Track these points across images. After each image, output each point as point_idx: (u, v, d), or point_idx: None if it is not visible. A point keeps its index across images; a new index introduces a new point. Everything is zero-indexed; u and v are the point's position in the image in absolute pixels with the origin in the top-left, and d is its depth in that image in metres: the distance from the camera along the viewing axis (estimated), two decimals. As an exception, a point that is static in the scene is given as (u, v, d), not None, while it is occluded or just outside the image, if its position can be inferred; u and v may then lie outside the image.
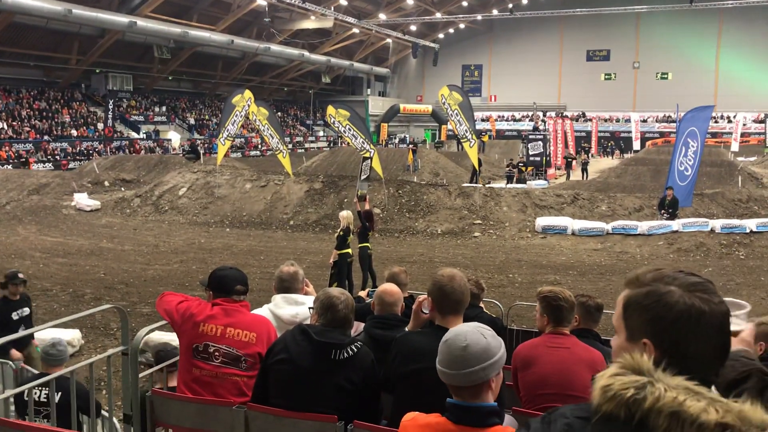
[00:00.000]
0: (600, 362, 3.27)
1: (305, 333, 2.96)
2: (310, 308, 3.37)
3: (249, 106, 21.44)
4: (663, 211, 18.05)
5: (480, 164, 25.34)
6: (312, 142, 59.68)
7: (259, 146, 49.20)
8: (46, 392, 4.14)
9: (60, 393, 4.01)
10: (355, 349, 2.94)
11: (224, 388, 3.16)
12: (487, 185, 24.52)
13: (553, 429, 1.36)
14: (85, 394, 3.94)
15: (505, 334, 5.24)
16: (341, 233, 11.44)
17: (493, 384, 2.13)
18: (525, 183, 30.17)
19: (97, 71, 45.14)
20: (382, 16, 57.15)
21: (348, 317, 3.04)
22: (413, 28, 62.53)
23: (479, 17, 59.63)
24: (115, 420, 4.12)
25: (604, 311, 4.24)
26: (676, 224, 17.28)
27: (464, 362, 2.07)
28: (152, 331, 3.43)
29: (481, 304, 5.08)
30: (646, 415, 1.20)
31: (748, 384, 2.44)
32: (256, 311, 3.82)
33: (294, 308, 3.73)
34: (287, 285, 3.83)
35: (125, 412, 3.21)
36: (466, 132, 19.80)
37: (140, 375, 3.35)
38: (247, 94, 21.85)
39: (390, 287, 3.67)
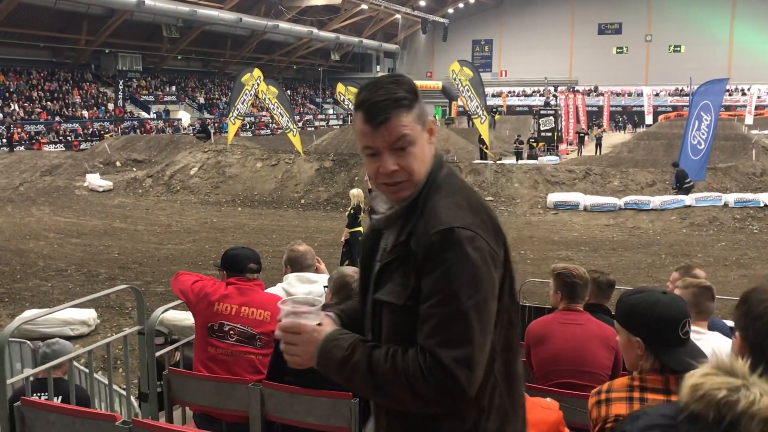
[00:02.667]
0: (613, 338, 3.27)
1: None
2: (324, 287, 3.39)
3: (258, 84, 21.40)
4: (675, 187, 17.94)
5: (481, 143, 25.06)
6: (322, 120, 59.52)
7: (270, 125, 49.13)
8: (45, 396, 4.10)
9: (60, 397, 3.96)
10: None
11: (239, 366, 3.19)
12: (498, 161, 24.41)
13: (638, 426, 1.36)
14: (85, 398, 3.92)
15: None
16: (352, 211, 11.43)
17: None
18: (536, 159, 30.00)
19: (107, 51, 45.08)
20: (391, -8, 56.66)
21: None
22: (422, 3, 61.92)
23: (489, -9, 58.99)
24: (132, 398, 4.17)
25: (617, 287, 4.26)
26: (689, 199, 17.18)
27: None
28: (167, 310, 3.44)
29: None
30: (737, 418, 1.18)
31: None
32: (270, 290, 3.85)
33: (307, 286, 3.75)
34: (299, 263, 3.85)
35: (142, 390, 3.26)
36: (477, 108, 19.69)
37: (156, 354, 3.39)
38: (257, 72, 21.79)
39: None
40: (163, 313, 3.30)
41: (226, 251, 3.50)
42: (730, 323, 6.67)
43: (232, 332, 3.21)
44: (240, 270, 3.36)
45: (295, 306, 1.62)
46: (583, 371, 3.17)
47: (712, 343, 3.08)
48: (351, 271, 3.12)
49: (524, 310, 5.49)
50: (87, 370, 4.14)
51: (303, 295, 3.73)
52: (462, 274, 1.49)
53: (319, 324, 1.63)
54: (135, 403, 4.31)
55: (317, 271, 3.94)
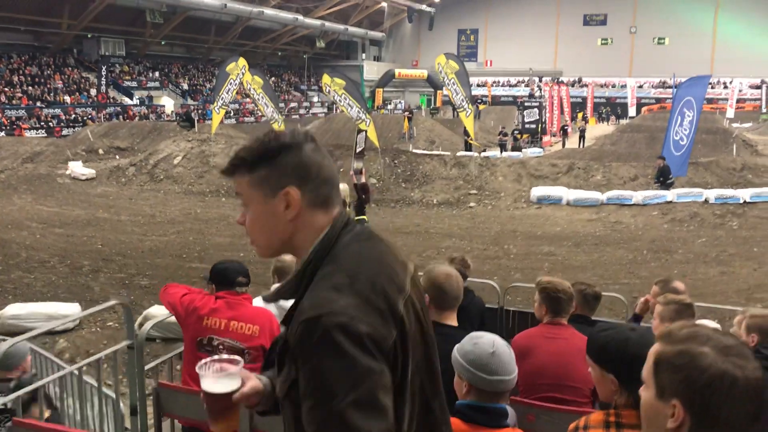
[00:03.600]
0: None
1: None
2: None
3: (243, 74, 21.28)
4: (655, 181, 18.15)
5: (467, 134, 25.14)
6: (307, 108, 59.28)
7: (255, 112, 48.85)
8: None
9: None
10: None
11: None
12: (482, 152, 24.51)
13: None
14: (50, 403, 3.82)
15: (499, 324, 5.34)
16: (338, 206, 11.46)
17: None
18: (520, 151, 30.16)
19: (89, 36, 44.53)
20: (378, -20, 56.42)
21: None
22: (409, -9, 61.78)
23: (475, -19, 58.90)
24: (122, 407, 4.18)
25: (603, 293, 4.34)
26: (670, 194, 17.38)
27: (510, 368, 2.35)
28: (155, 324, 3.46)
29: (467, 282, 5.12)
30: None
31: None
32: (257, 300, 3.88)
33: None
34: (285, 274, 3.89)
35: (132, 404, 3.28)
36: (463, 101, 19.73)
37: (146, 367, 3.42)
38: (241, 62, 21.67)
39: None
40: (151, 327, 3.30)
41: (214, 265, 3.52)
42: (709, 326, 6.80)
43: (221, 346, 3.24)
44: (229, 284, 3.39)
45: (217, 371, 1.60)
46: (567, 385, 3.24)
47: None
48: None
49: (507, 315, 5.56)
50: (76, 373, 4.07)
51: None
52: (334, 369, 1.30)
53: (242, 385, 1.56)
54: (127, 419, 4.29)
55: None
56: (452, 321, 3.05)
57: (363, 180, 13.60)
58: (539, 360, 3.31)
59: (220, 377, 1.55)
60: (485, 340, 2.40)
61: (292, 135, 1.54)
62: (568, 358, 3.28)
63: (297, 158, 1.51)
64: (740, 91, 52.81)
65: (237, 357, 1.60)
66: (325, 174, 1.55)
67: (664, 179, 17.65)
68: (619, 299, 6.52)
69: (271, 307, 3.65)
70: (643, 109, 54.59)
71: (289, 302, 3.75)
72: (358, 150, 13.45)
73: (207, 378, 1.55)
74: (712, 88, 51.88)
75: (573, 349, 3.30)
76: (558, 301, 3.41)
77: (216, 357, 1.59)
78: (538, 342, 3.37)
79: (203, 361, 1.56)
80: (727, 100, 50.16)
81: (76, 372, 3.52)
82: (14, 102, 36.92)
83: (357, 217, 12.10)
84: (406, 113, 35.39)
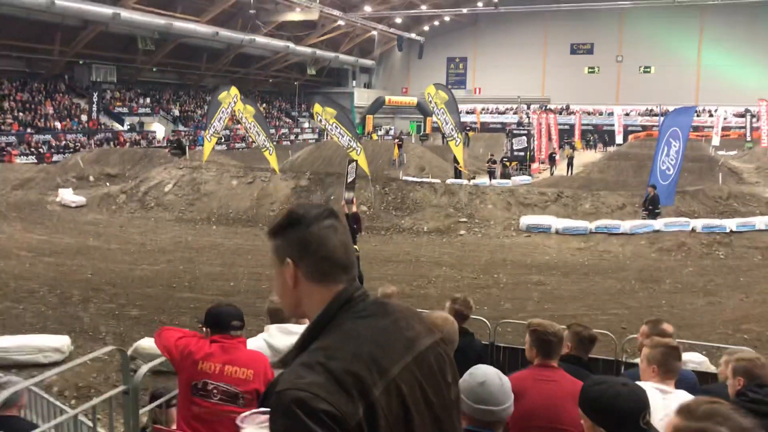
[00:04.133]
0: (587, 395, 3.41)
1: None
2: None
3: (235, 103, 21.42)
4: (644, 209, 18.33)
5: (456, 162, 25.37)
6: (298, 134, 59.53)
7: (246, 138, 48.99)
8: None
9: None
10: None
11: (223, 425, 3.26)
12: (471, 179, 24.70)
13: None
14: None
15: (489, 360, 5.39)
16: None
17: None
18: (509, 178, 30.40)
19: (81, 62, 44.65)
20: (368, 9, 57.02)
21: None
22: (398, 20, 62.43)
23: (464, 10, 59.59)
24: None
25: (598, 336, 4.40)
26: (658, 224, 17.55)
27: (505, 397, 2.52)
28: (151, 368, 3.50)
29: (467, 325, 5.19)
30: None
31: None
32: (251, 341, 3.92)
33: (289, 338, 3.82)
34: (280, 315, 3.92)
35: (128, 448, 3.31)
36: (452, 131, 19.93)
37: (140, 411, 3.45)
38: (233, 90, 21.83)
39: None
40: (146, 371, 3.34)
41: (209, 309, 3.56)
42: (696, 359, 6.87)
43: (215, 391, 3.27)
44: (224, 327, 3.43)
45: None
46: (558, 429, 3.29)
47: (680, 402, 3.23)
48: None
49: (498, 351, 5.61)
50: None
51: (284, 346, 3.81)
52: None
53: None
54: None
55: (298, 322, 4.02)
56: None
57: (354, 209, 13.67)
58: (530, 403, 3.36)
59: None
60: (479, 372, 2.59)
61: (305, 211, 1.65)
62: (559, 401, 3.33)
63: (300, 234, 1.62)
64: (725, 119, 53.50)
65: None
66: (326, 252, 1.61)
67: (653, 208, 17.84)
68: (608, 336, 6.59)
69: (266, 351, 3.69)
70: (630, 136, 55.16)
71: (277, 339, 3.78)
72: (349, 180, 13.53)
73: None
74: (698, 116, 52.55)
75: (564, 393, 3.36)
76: (548, 344, 3.47)
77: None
78: (529, 384, 3.42)
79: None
80: (712, 127, 50.80)
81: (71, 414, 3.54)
82: (4, 128, 36.86)
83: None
84: (397, 140, 35.63)
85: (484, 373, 2.59)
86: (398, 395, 1.48)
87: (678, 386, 3.46)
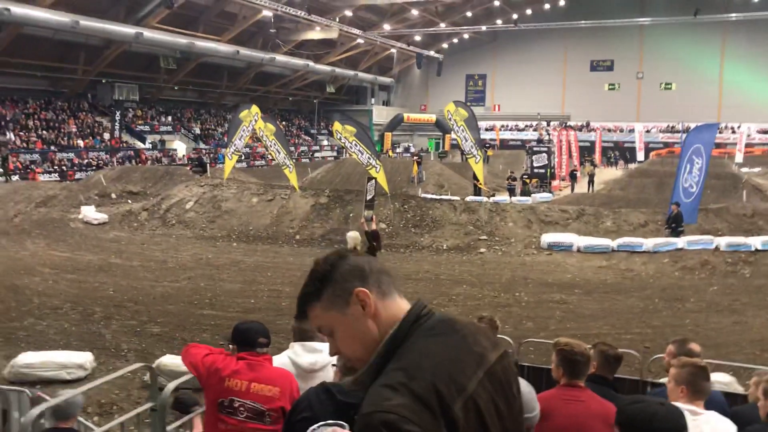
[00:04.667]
0: (613, 415, 3.35)
1: (329, 392, 3.04)
2: (333, 365, 3.45)
3: (256, 121, 21.60)
4: (667, 226, 18.14)
5: (476, 179, 25.36)
6: (317, 151, 59.85)
7: (265, 156, 49.35)
8: None
9: None
10: None
11: None
12: (491, 197, 24.64)
13: None
14: None
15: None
16: (349, 254, 11.49)
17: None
18: (529, 195, 30.29)
19: (104, 81, 45.36)
20: (387, 27, 57.42)
21: None
22: (417, 38, 62.76)
23: (483, 28, 59.80)
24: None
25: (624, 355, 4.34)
26: (681, 242, 17.34)
27: (526, 408, 2.47)
28: (178, 385, 3.50)
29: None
30: None
31: None
32: (276, 358, 3.91)
33: (313, 356, 3.82)
34: (304, 333, 3.92)
35: (155, 465, 3.31)
36: (472, 148, 19.92)
37: (168, 428, 3.45)
38: (254, 109, 22.02)
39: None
40: (174, 387, 3.34)
41: (236, 326, 3.57)
42: (723, 380, 6.75)
43: (242, 408, 3.27)
44: (251, 344, 3.43)
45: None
46: (585, 449, 3.25)
47: (711, 424, 3.17)
48: None
49: (522, 371, 5.55)
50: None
51: (308, 364, 3.80)
52: None
53: None
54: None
55: (323, 339, 4.01)
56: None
57: (374, 227, 13.70)
58: (558, 423, 3.32)
59: None
60: None
61: (334, 251, 1.67)
62: (587, 421, 3.28)
63: (348, 264, 1.62)
64: (749, 135, 53.04)
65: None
66: (378, 266, 1.65)
67: (676, 226, 17.65)
68: (633, 355, 6.50)
69: (290, 368, 3.68)
70: (652, 153, 54.81)
71: (302, 358, 3.76)
72: (368, 198, 13.56)
73: None
74: (720, 132, 52.10)
75: (591, 413, 3.32)
76: (575, 364, 3.43)
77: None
78: (556, 404, 3.37)
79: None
80: (735, 144, 50.34)
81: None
82: (29, 146, 37.46)
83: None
84: (415, 157, 35.69)
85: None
86: (475, 410, 1.52)
87: (707, 407, 3.40)
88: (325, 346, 3.91)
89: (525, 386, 2.50)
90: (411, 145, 66.30)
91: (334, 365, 3.44)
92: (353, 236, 11.79)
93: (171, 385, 3.32)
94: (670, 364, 3.76)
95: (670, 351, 4.06)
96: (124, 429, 3.54)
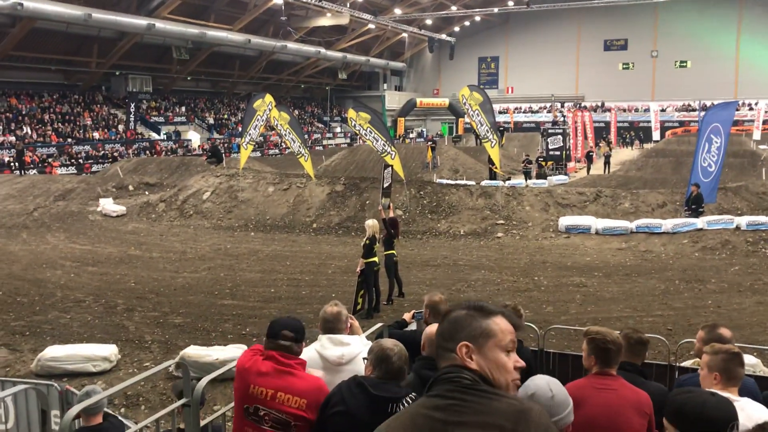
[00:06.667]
0: (646, 403, 3.34)
1: (362, 386, 3.04)
2: (364, 359, 3.44)
3: (270, 110, 21.58)
4: (686, 207, 17.98)
5: (491, 163, 25.27)
6: (330, 138, 59.83)
7: (279, 145, 49.41)
8: None
9: None
10: (411, 401, 2.99)
11: None
12: (507, 181, 24.52)
13: None
14: None
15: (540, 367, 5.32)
16: (367, 242, 11.50)
17: (569, 428, 2.52)
18: (545, 178, 30.11)
19: (117, 73, 45.53)
20: (398, 11, 57.07)
21: (402, 369, 3.12)
22: (429, 22, 62.33)
23: (496, 10, 59.21)
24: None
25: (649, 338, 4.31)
26: (700, 222, 17.19)
27: (555, 410, 2.42)
28: (192, 364, 3.52)
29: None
30: None
31: None
32: (303, 351, 3.90)
33: (340, 349, 3.81)
34: (331, 326, 3.91)
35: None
36: (487, 132, 19.80)
37: (201, 424, 3.47)
38: (268, 98, 21.99)
39: (440, 330, 3.74)
40: (206, 383, 3.36)
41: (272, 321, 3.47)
42: (749, 362, 6.70)
43: (267, 417, 3.20)
44: (273, 335, 3.34)
45: None
46: (619, 439, 3.23)
47: (746, 411, 3.14)
48: (391, 344, 3.17)
49: (547, 357, 5.54)
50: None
51: (336, 357, 3.78)
52: None
53: None
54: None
55: (351, 330, 4.01)
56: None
57: (391, 214, 13.69)
58: (590, 412, 3.29)
59: None
60: (530, 384, 2.55)
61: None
62: (619, 410, 3.27)
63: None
64: (766, 112, 52.32)
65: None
66: None
67: (696, 207, 17.49)
68: (660, 339, 6.46)
69: (317, 362, 3.66)
70: (667, 132, 54.28)
71: (329, 351, 3.73)
72: (385, 185, 13.49)
73: None
74: (737, 110, 51.48)
75: (624, 401, 3.30)
76: (607, 352, 3.40)
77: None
78: (588, 393, 3.35)
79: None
80: (753, 121, 49.71)
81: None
82: (45, 140, 37.74)
83: (386, 252, 12.16)
84: (430, 143, 35.55)
85: (536, 384, 2.55)
86: None
87: (740, 394, 3.37)
88: (352, 339, 3.93)
89: (546, 390, 2.47)
90: (424, 130, 66.07)
91: (364, 358, 3.42)
92: (372, 224, 11.76)
93: (204, 381, 3.33)
94: (701, 350, 3.73)
95: (700, 337, 4.03)
96: (158, 427, 3.56)
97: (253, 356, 3.34)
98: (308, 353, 3.86)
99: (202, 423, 3.56)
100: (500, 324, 1.85)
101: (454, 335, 1.86)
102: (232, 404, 3.40)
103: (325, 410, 3.09)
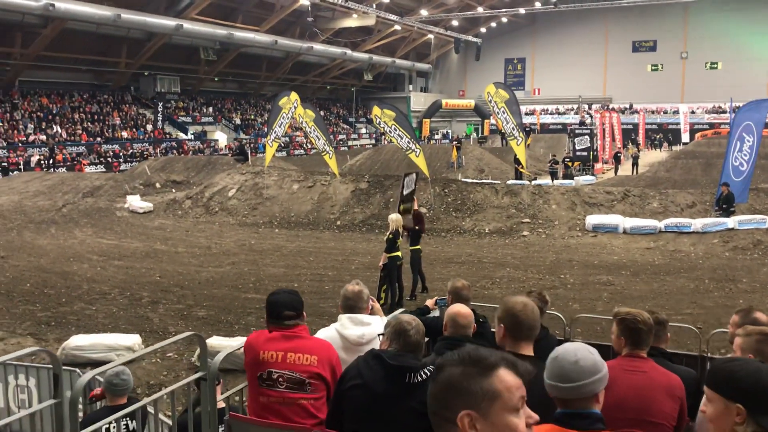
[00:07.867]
0: (678, 387, 3.22)
1: (378, 358, 2.98)
2: (380, 335, 3.38)
3: (295, 108, 21.63)
4: (717, 208, 17.64)
5: (517, 163, 25.07)
6: (355, 139, 59.93)
7: (304, 145, 49.61)
8: (125, 424, 4.23)
9: (133, 421, 4.12)
10: (429, 372, 2.94)
11: (293, 412, 3.22)
12: (533, 180, 24.29)
13: None
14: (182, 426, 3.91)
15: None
16: (390, 236, 11.42)
17: (600, 397, 2.35)
18: (572, 178, 29.81)
19: (146, 74, 46.07)
20: (424, 12, 57.00)
21: (419, 342, 3.06)
22: (455, 23, 62.19)
23: (522, 11, 58.87)
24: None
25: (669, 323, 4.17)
26: (731, 221, 16.84)
27: (578, 376, 2.29)
28: (226, 354, 3.48)
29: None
30: None
31: None
32: (323, 331, 3.86)
33: (360, 329, 3.76)
34: (352, 304, 3.86)
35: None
36: (513, 130, 19.63)
37: (218, 399, 3.43)
38: (294, 96, 22.05)
39: (463, 309, 3.67)
40: (222, 357, 3.32)
41: (269, 295, 3.47)
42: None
43: (280, 379, 3.22)
44: (275, 317, 3.36)
45: None
46: (648, 421, 3.11)
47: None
48: (408, 318, 3.12)
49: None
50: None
51: (356, 336, 3.73)
52: None
53: None
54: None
55: (372, 311, 3.95)
56: (528, 351, 3.01)
57: (416, 207, 13.54)
58: (619, 394, 3.18)
59: None
60: (555, 352, 2.42)
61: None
62: (650, 392, 3.15)
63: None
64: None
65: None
66: None
67: (726, 206, 17.14)
68: (690, 329, 6.29)
69: (337, 341, 3.61)
70: (697, 134, 53.49)
71: (349, 330, 3.68)
72: (405, 192, 13.26)
73: None
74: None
75: (654, 384, 3.18)
76: (638, 333, 3.29)
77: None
78: (618, 375, 3.23)
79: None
80: (785, 123, 48.76)
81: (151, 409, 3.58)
82: (75, 138, 38.30)
83: (412, 247, 12.07)
84: (455, 143, 35.39)
85: (563, 348, 2.42)
86: None
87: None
88: (372, 319, 3.87)
89: (571, 354, 2.35)
90: (450, 131, 65.89)
91: (380, 334, 3.36)
92: (395, 218, 11.67)
93: (220, 355, 3.29)
94: (735, 334, 3.59)
95: (734, 321, 3.88)
96: (174, 399, 3.52)
97: (260, 334, 3.35)
98: (328, 333, 3.81)
99: (220, 397, 3.52)
100: (504, 380, 1.54)
101: (451, 402, 1.54)
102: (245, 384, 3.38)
103: (342, 385, 3.05)
